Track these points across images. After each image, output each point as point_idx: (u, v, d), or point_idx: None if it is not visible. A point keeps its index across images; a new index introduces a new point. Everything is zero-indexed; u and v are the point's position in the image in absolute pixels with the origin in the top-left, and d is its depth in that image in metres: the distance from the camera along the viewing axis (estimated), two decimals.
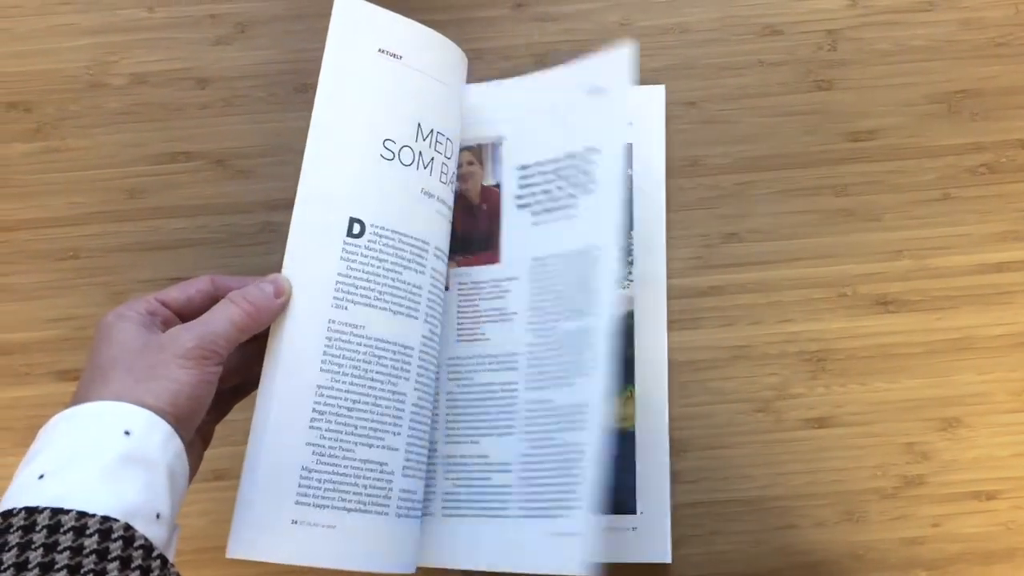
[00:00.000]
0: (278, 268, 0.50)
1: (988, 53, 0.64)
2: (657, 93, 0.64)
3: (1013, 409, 0.61)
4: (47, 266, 0.64)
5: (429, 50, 0.56)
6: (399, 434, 0.52)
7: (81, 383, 0.43)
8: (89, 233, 0.64)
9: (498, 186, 0.59)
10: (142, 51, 0.65)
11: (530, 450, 0.54)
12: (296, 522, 0.48)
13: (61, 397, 0.60)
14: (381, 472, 0.51)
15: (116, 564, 0.36)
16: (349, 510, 0.49)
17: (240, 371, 0.50)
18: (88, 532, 0.36)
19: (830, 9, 0.64)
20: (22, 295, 0.64)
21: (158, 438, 0.41)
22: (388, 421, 0.52)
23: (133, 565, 0.36)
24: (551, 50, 0.65)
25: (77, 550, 0.35)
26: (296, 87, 0.65)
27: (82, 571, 0.35)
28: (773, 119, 0.64)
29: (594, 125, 0.57)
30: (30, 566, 0.34)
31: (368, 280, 0.52)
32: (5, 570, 0.34)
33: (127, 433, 0.40)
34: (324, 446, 0.49)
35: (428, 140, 0.55)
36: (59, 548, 0.35)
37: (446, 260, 0.57)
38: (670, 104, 0.64)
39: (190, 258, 0.64)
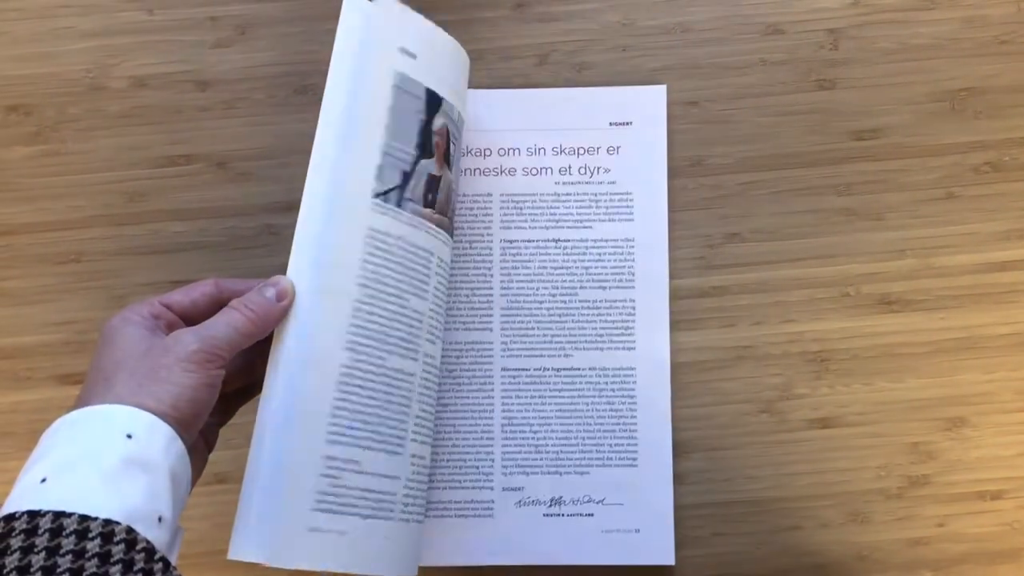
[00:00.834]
0: (280, 270, 0.50)
1: (991, 51, 0.64)
2: (658, 93, 0.64)
3: (1018, 408, 0.61)
4: (48, 270, 0.64)
5: (436, 49, 0.56)
6: (404, 438, 0.52)
7: (84, 387, 0.43)
8: (90, 237, 0.64)
9: None
10: (142, 54, 0.65)
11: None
12: (297, 526, 0.48)
13: (63, 401, 0.60)
14: (387, 477, 0.51)
15: (118, 567, 0.35)
16: (354, 515, 0.49)
17: (244, 374, 0.50)
18: (90, 535, 0.36)
19: (832, 8, 0.64)
20: (23, 299, 0.64)
21: (160, 441, 0.41)
22: (394, 425, 0.51)
23: (135, 568, 0.36)
24: (552, 50, 0.65)
25: (79, 554, 0.35)
26: (296, 89, 0.65)
27: (84, 574, 0.35)
28: (775, 118, 0.64)
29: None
30: (32, 570, 0.34)
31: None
32: (8, 574, 0.34)
33: (129, 436, 0.39)
34: (340, 450, 0.49)
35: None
36: (61, 552, 0.35)
37: (448, 268, 0.57)
38: (672, 104, 0.64)
39: (191, 261, 0.64)
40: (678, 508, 0.60)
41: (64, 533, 0.35)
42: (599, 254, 0.63)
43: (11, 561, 0.34)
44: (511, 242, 0.63)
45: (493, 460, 0.62)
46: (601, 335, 0.62)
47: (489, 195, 0.63)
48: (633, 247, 0.62)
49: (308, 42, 0.65)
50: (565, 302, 0.62)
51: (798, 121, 0.64)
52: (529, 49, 0.65)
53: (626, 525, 0.60)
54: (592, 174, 0.63)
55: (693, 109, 0.64)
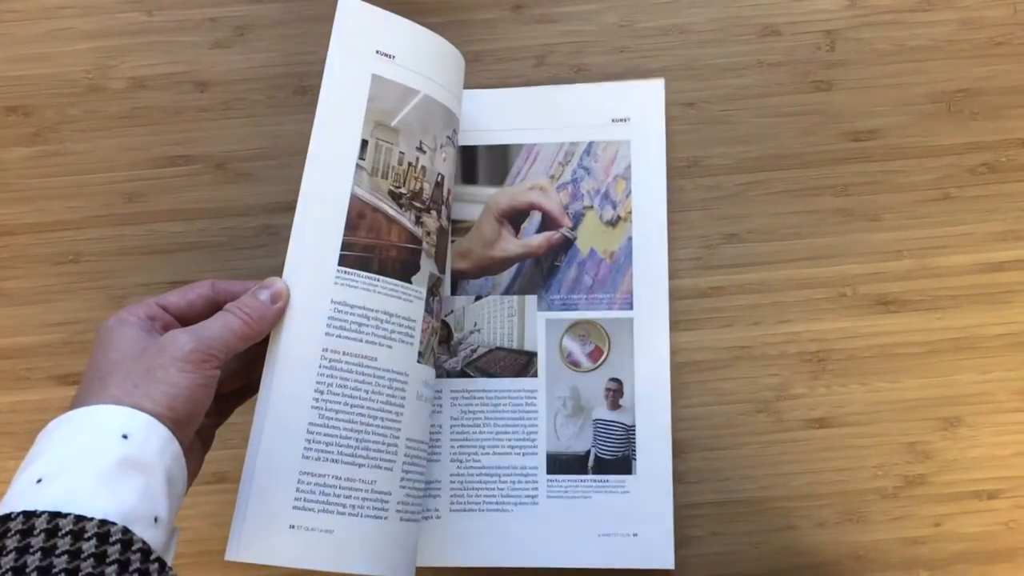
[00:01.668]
0: (278, 271, 0.50)
1: (987, 52, 0.64)
2: (656, 87, 0.64)
3: (1014, 408, 0.61)
4: (47, 270, 0.64)
5: (428, 52, 0.56)
6: (398, 436, 0.52)
7: (80, 387, 0.43)
8: (89, 237, 0.64)
9: None
10: (141, 55, 0.66)
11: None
12: (294, 526, 0.48)
13: (61, 401, 0.60)
14: (380, 474, 0.51)
15: (114, 568, 0.35)
16: (347, 514, 0.49)
17: (241, 375, 0.50)
18: (86, 536, 0.36)
19: (829, 9, 0.64)
20: (22, 299, 0.64)
21: (156, 442, 0.41)
22: (389, 424, 0.52)
23: (131, 569, 0.36)
24: (550, 52, 0.65)
25: (75, 554, 0.35)
26: (295, 90, 0.65)
27: (80, 575, 0.35)
28: (773, 119, 0.64)
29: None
30: (28, 570, 0.34)
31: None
32: (3, 574, 0.34)
33: (125, 437, 0.40)
34: (323, 451, 0.49)
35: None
36: (57, 552, 0.35)
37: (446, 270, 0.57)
38: (670, 105, 0.64)
39: (190, 262, 0.64)
40: (675, 508, 0.60)
41: (60, 534, 0.35)
42: None
43: (7, 562, 0.34)
44: None
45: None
46: None
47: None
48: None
49: (307, 43, 0.65)
50: None
51: (795, 122, 0.64)
52: (527, 50, 0.65)
53: (624, 529, 0.60)
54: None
55: (691, 110, 0.64)
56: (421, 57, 0.55)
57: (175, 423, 0.42)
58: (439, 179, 0.56)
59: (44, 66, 0.65)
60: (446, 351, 0.62)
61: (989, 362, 0.62)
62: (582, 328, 0.62)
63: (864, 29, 0.64)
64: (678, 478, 0.61)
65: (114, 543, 0.36)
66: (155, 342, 0.44)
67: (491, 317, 0.62)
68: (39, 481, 0.38)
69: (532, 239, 0.63)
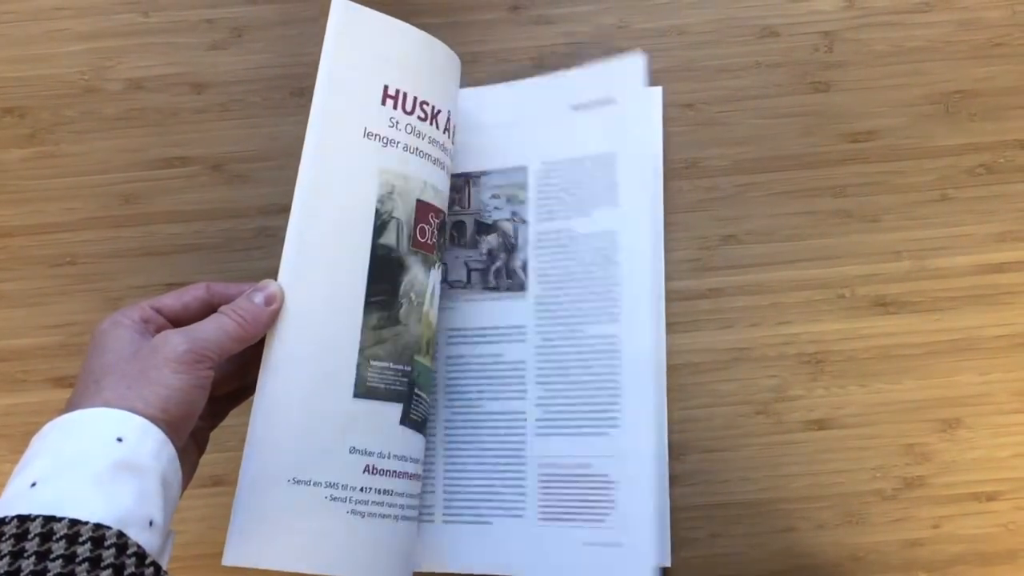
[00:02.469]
0: (274, 274, 0.50)
1: (986, 54, 0.64)
2: (654, 95, 0.63)
3: (1014, 410, 0.61)
4: (43, 272, 0.64)
5: (422, 54, 0.56)
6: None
7: (75, 390, 0.43)
8: (85, 239, 0.64)
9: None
10: (138, 56, 0.65)
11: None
12: (292, 528, 0.48)
13: (57, 404, 0.59)
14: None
15: (109, 572, 0.35)
16: (344, 516, 0.49)
17: (236, 377, 0.50)
18: (81, 540, 0.35)
19: (826, 11, 0.64)
20: (18, 301, 0.64)
21: (151, 445, 0.40)
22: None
23: (126, 573, 0.36)
24: (548, 53, 0.65)
25: (70, 558, 0.35)
26: (292, 91, 0.65)
27: None
28: (771, 121, 0.64)
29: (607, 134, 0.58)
30: (22, 574, 0.34)
31: None
32: None
33: (119, 440, 0.39)
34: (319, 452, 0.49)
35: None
36: (52, 556, 0.35)
37: (445, 271, 0.57)
38: (668, 106, 0.64)
39: (186, 263, 0.64)
40: (674, 509, 0.60)
41: (54, 537, 0.35)
42: None
43: (1, 566, 0.34)
44: None
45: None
46: None
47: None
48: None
49: (304, 44, 0.65)
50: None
51: (793, 123, 0.64)
52: (525, 52, 0.65)
53: (611, 539, 0.58)
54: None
55: (689, 111, 0.64)
56: (415, 59, 0.55)
57: (169, 425, 0.42)
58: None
59: (40, 67, 0.65)
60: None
61: (988, 363, 0.61)
62: None
63: (862, 30, 0.64)
64: (676, 480, 0.61)
65: (109, 547, 0.36)
66: (148, 343, 0.44)
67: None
68: (33, 485, 0.37)
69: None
